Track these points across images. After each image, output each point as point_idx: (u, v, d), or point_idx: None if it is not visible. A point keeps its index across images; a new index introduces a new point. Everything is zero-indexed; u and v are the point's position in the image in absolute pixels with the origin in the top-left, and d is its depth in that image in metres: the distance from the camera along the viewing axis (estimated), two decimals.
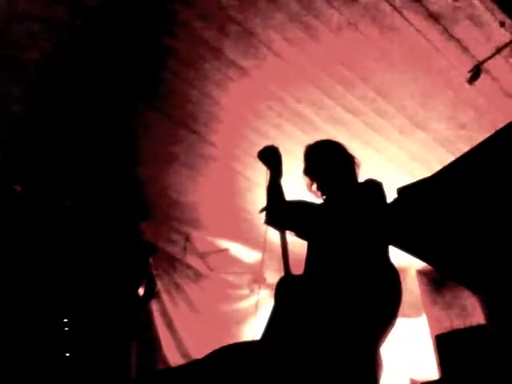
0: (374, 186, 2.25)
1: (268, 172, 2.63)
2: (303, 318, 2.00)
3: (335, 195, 2.36)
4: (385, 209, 2.19)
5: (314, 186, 2.46)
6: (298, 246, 2.60)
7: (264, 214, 2.60)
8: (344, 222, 2.19)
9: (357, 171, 2.42)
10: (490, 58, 3.30)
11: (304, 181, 2.50)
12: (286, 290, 2.14)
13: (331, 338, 1.94)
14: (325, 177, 2.42)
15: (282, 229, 2.55)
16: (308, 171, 2.47)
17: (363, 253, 2.12)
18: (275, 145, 2.67)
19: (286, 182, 2.64)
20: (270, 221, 2.56)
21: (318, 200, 2.48)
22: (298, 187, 2.95)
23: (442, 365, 2.90)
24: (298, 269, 2.39)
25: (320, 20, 3.25)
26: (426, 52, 3.37)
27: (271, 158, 2.61)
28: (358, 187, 2.34)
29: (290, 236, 2.56)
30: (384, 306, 2.04)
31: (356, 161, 2.44)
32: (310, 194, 2.49)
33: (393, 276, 2.12)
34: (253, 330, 5.63)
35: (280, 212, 2.53)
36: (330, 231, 2.24)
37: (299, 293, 2.10)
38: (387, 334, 2.05)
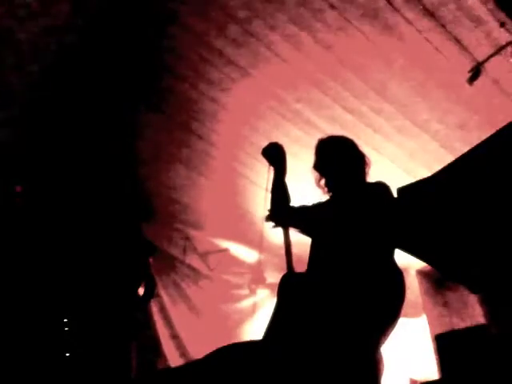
0: (382, 188, 2.25)
1: (271, 169, 2.63)
2: (305, 317, 2.00)
3: (343, 194, 2.36)
4: (392, 211, 2.19)
5: (322, 182, 2.46)
6: (299, 245, 2.61)
7: (270, 220, 2.61)
8: (350, 222, 2.19)
9: (366, 170, 2.41)
10: (489, 57, 3.30)
11: (313, 175, 2.49)
12: (288, 287, 2.14)
13: (333, 337, 1.94)
14: (334, 174, 2.42)
15: (286, 226, 2.56)
16: (318, 166, 2.47)
17: (368, 252, 2.12)
18: (278, 142, 2.67)
19: (287, 181, 2.65)
20: (275, 218, 2.57)
21: (323, 196, 2.48)
22: (298, 186, 2.95)
23: (442, 365, 2.90)
24: (298, 269, 2.39)
25: (320, 20, 3.25)
26: (425, 52, 3.37)
27: (275, 155, 2.61)
28: (366, 188, 2.33)
29: (293, 234, 2.56)
30: (387, 305, 2.04)
31: (366, 160, 2.43)
32: (317, 188, 2.48)
33: (397, 277, 2.12)
34: (252, 329, 5.64)
35: (285, 209, 2.54)
36: (335, 230, 2.24)
37: (302, 290, 2.10)
38: (389, 334, 2.05)
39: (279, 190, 2.57)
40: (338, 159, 2.41)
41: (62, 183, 4.36)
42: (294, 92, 3.81)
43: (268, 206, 2.61)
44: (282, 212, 2.56)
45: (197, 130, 4.24)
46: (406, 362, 5.28)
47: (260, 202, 2.96)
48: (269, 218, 2.62)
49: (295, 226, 2.56)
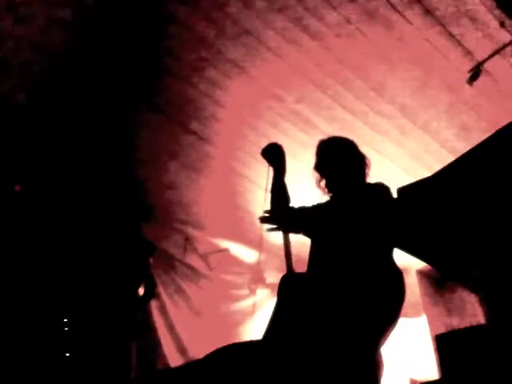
0: (382, 189, 2.25)
1: (271, 169, 2.63)
2: (305, 317, 2.00)
3: (343, 195, 2.36)
4: (391, 212, 2.19)
5: (323, 183, 2.45)
6: (299, 245, 2.61)
7: (266, 222, 2.60)
8: (350, 223, 2.19)
9: (366, 171, 2.41)
10: (489, 57, 3.30)
11: (313, 176, 2.49)
12: (288, 287, 2.14)
13: (333, 337, 1.94)
14: (335, 176, 2.42)
15: (285, 229, 2.55)
16: (318, 168, 2.47)
17: (367, 253, 2.12)
18: (278, 142, 2.67)
19: (286, 181, 2.64)
20: (274, 219, 2.57)
21: (323, 196, 2.48)
22: (298, 186, 2.95)
23: (442, 365, 2.90)
24: (298, 269, 2.39)
25: (320, 20, 3.25)
26: (426, 52, 3.37)
27: (275, 155, 2.61)
28: (366, 189, 2.33)
29: (293, 235, 2.56)
30: (386, 306, 2.04)
31: (366, 161, 2.43)
32: (317, 189, 2.48)
33: (396, 277, 2.12)
34: (252, 329, 5.63)
35: (285, 210, 2.54)
36: (335, 231, 2.24)
37: (302, 290, 2.10)
38: (389, 335, 2.05)
39: (279, 191, 2.57)
40: (339, 160, 2.41)
41: (61, 183, 4.36)
42: (293, 92, 3.80)
43: (267, 206, 2.61)
44: (282, 213, 2.55)
45: (196, 130, 4.24)
46: (406, 362, 5.28)
47: (260, 201, 2.96)
48: (264, 220, 2.61)
49: (295, 227, 2.56)
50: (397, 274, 2.13)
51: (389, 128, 4.00)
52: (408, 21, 3.19)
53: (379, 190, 2.25)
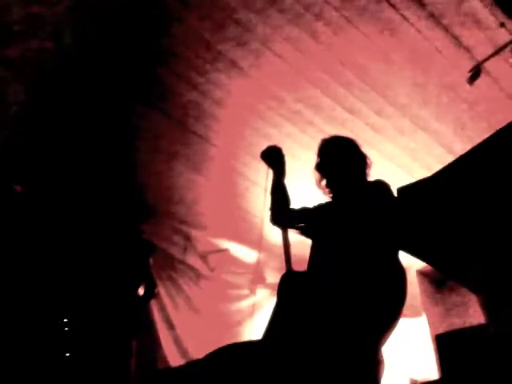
0: (383, 187, 2.25)
1: (270, 172, 2.64)
2: (305, 316, 2.00)
3: (344, 194, 2.36)
4: (393, 209, 2.19)
5: (323, 182, 2.45)
6: (299, 245, 2.61)
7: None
8: (350, 222, 2.19)
9: (367, 171, 2.41)
10: (489, 57, 3.30)
11: (314, 176, 2.48)
12: (288, 286, 2.14)
13: (333, 336, 1.94)
14: (336, 176, 2.41)
15: (285, 228, 2.56)
16: (320, 167, 2.46)
17: (368, 252, 2.12)
18: (277, 145, 2.67)
19: (287, 182, 2.65)
20: (274, 220, 2.57)
21: (323, 196, 2.48)
22: (298, 187, 2.95)
23: (442, 365, 2.90)
24: (298, 268, 2.39)
25: (320, 20, 3.25)
26: (425, 52, 3.37)
27: (274, 158, 2.62)
28: (366, 187, 2.33)
29: (292, 235, 2.56)
30: (388, 305, 2.04)
31: (368, 161, 2.43)
32: (318, 189, 2.48)
33: (398, 275, 2.12)
34: (252, 329, 5.63)
35: (284, 211, 2.54)
36: (335, 230, 2.24)
37: (302, 289, 2.10)
38: (389, 334, 2.05)
39: (279, 193, 2.58)
40: (341, 160, 2.41)
41: (61, 184, 4.36)
42: (293, 92, 3.81)
43: (267, 206, 2.61)
44: (283, 214, 2.56)
45: (197, 130, 4.24)
46: (406, 362, 5.28)
47: (260, 202, 2.96)
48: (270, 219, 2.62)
49: (296, 229, 2.56)
50: (399, 273, 2.13)
51: (389, 128, 4.01)
52: (408, 21, 3.19)
53: (379, 187, 2.26)
